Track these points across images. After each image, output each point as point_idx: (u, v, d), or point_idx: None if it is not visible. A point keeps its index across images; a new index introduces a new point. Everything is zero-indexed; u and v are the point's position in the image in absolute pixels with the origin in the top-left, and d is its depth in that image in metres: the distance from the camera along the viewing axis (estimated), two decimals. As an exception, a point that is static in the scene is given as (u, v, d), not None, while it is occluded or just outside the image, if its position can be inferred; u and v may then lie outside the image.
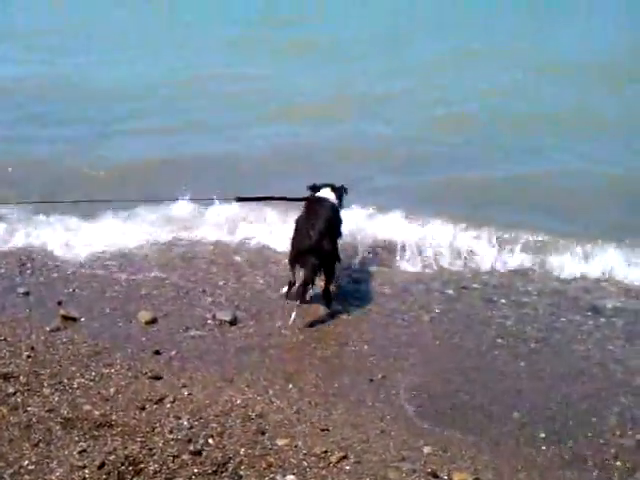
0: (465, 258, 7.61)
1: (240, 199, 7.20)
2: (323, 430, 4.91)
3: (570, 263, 7.30)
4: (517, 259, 7.58)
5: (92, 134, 11.36)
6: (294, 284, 6.55)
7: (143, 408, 5.00)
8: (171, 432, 4.74)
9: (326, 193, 7.03)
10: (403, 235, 7.80)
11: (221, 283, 7.11)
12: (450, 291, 7.05)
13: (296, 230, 6.62)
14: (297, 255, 6.52)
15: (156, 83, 14.06)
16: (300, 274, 6.45)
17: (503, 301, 6.86)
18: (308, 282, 6.38)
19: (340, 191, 7.13)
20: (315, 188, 7.10)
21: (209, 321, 6.40)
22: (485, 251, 7.62)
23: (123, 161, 10.13)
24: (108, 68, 15.22)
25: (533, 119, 12.04)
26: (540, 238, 7.82)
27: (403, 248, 7.62)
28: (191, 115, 12.38)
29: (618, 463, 4.71)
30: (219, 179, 9.29)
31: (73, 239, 7.77)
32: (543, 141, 11.25)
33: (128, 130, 11.55)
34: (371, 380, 5.60)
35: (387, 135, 11.58)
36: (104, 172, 9.74)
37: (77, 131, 11.44)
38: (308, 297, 6.53)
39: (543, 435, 4.99)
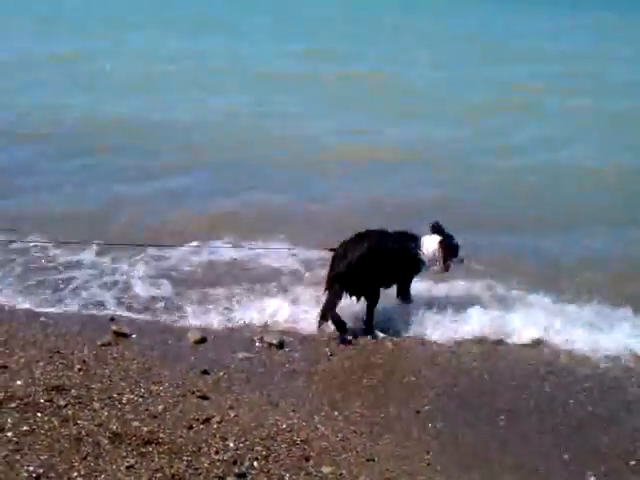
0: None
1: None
2: (368, 460, 4.86)
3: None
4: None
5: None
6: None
7: (190, 427, 5.04)
8: (217, 453, 4.76)
9: (428, 242, 6.77)
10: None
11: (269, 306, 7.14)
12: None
13: (334, 256, 6.65)
14: (327, 280, 6.64)
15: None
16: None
17: (556, 341, 6.69)
18: (326, 308, 6.50)
19: (449, 247, 6.80)
20: (435, 229, 6.87)
21: (257, 344, 6.44)
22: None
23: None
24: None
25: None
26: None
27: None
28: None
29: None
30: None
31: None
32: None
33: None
34: (418, 412, 5.54)
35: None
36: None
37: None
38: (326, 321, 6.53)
39: (593, 478, 4.84)
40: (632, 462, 5.03)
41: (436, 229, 6.87)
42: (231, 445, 4.86)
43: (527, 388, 5.95)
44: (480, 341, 6.63)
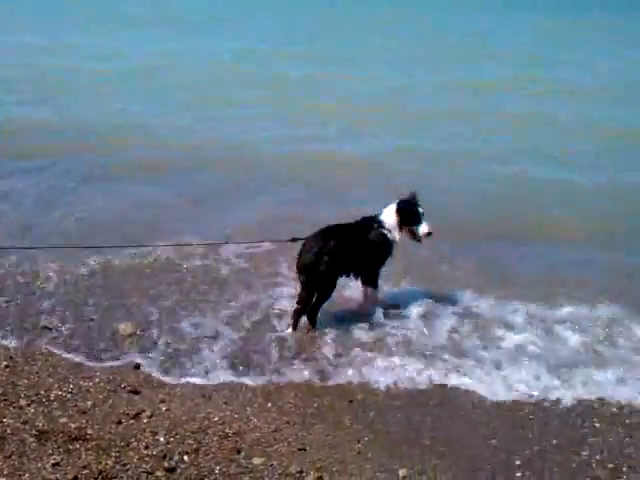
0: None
1: (295, 239, 6.70)
2: (300, 450, 4.89)
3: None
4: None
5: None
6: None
7: (120, 422, 4.98)
8: (147, 448, 4.72)
9: (387, 212, 6.68)
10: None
11: (205, 298, 7.09)
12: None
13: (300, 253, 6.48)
14: (297, 273, 6.54)
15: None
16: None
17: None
18: (299, 302, 6.46)
19: (408, 214, 6.64)
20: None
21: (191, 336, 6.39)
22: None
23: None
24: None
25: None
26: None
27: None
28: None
29: (592, 491, 4.70)
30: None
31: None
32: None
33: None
34: (350, 401, 5.58)
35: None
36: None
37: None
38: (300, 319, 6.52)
39: (519, 462, 4.96)
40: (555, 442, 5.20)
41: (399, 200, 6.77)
42: (161, 439, 4.82)
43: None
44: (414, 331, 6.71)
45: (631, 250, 8.60)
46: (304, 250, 6.44)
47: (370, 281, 6.83)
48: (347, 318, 6.76)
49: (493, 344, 6.44)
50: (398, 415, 5.44)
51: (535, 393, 5.75)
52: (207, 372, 5.86)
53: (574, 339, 6.53)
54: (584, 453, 5.08)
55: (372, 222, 6.68)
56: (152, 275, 7.54)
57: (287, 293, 7.04)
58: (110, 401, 5.25)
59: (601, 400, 5.69)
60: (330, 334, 6.45)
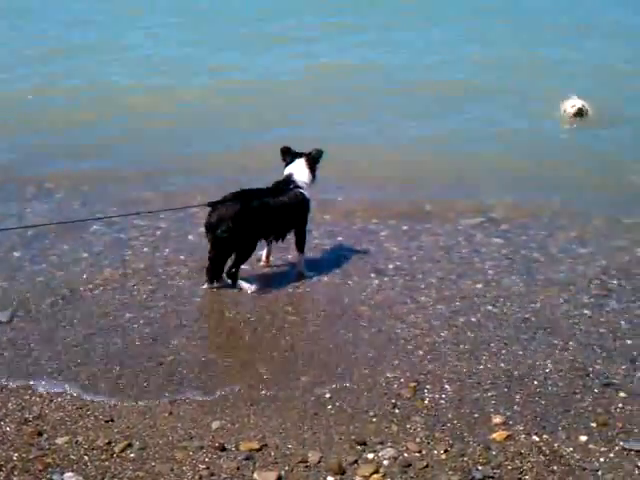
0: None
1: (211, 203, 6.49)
2: (107, 422, 4.74)
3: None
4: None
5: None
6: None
7: None
8: None
9: (299, 167, 6.72)
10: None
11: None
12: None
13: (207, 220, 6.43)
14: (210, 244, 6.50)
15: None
16: None
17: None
18: (209, 260, 6.52)
19: (315, 162, 6.80)
20: (288, 154, 6.80)
21: (-17, 324, 5.95)
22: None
23: None
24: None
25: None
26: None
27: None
28: None
29: (397, 411, 4.94)
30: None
31: None
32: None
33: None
34: (160, 364, 5.47)
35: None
36: None
37: None
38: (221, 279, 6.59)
39: (328, 395, 5.09)
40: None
41: (290, 152, 6.84)
42: (-52, 437, 4.47)
43: (266, 324, 6.09)
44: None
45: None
46: (212, 212, 6.39)
47: (298, 243, 6.85)
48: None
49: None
50: (205, 371, 5.41)
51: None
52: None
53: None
54: (391, 376, 5.30)
55: (286, 184, 6.68)
56: None
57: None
58: None
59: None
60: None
